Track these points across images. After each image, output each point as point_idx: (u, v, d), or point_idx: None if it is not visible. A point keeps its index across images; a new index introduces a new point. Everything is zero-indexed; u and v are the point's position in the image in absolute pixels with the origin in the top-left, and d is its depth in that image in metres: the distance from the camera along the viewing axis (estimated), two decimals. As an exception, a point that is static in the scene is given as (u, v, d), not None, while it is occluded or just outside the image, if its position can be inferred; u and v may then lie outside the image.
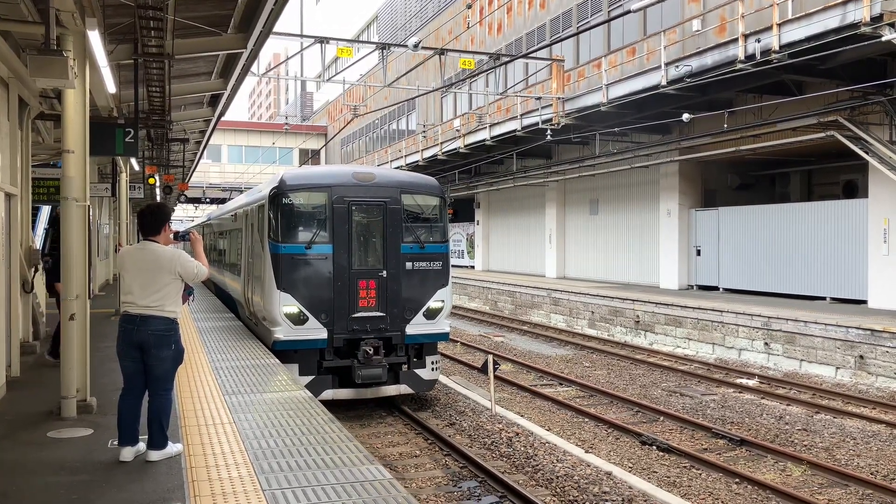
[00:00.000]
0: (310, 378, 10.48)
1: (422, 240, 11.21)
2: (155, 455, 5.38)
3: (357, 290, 10.67)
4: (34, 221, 13.66)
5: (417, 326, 11.07)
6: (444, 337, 11.61)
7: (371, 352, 10.52)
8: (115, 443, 5.57)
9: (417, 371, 11.24)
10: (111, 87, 9.25)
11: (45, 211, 15.40)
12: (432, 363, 11.42)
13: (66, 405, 6.65)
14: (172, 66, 9.77)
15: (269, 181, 12.14)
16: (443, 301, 11.32)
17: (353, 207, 10.81)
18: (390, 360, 10.85)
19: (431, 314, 11.20)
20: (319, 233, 10.71)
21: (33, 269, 9.97)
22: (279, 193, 10.81)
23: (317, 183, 11.07)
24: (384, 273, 10.85)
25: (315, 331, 10.54)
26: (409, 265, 11.01)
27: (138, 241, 5.73)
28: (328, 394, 10.56)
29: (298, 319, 10.52)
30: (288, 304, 10.50)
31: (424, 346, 11.33)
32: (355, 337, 10.66)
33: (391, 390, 11.08)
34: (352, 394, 10.83)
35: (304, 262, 10.59)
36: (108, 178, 16.57)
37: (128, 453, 5.41)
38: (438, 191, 11.78)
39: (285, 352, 10.45)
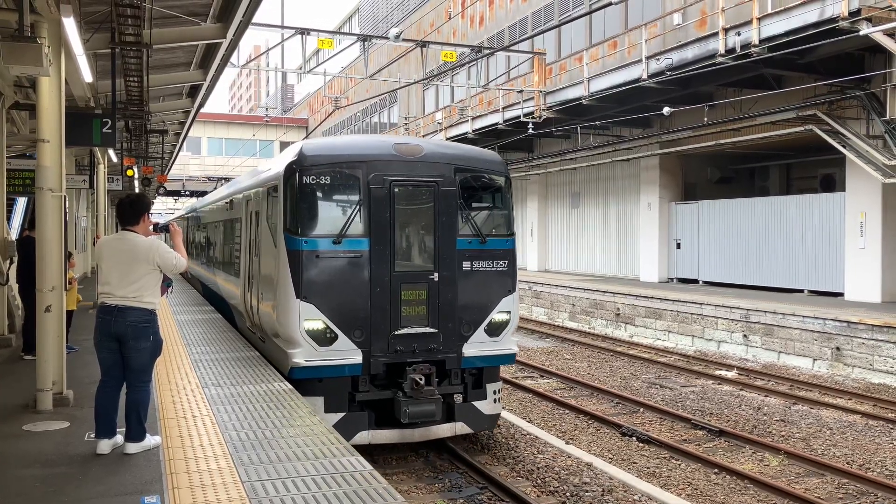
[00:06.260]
0: (340, 416, 8.01)
1: (483, 232, 8.66)
2: (133, 447, 5.33)
3: (401, 299, 8.22)
4: (10, 213, 13.47)
5: (477, 346, 8.53)
6: (511, 359, 9.08)
7: (422, 381, 8.06)
8: (93, 435, 5.51)
9: (476, 403, 8.67)
10: (87, 76, 9.14)
11: (21, 203, 15.19)
12: (494, 392, 8.85)
13: (41, 398, 6.57)
14: (151, 55, 9.66)
15: (282, 155, 9.44)
16: (509, 312, 8.77)
17: (396, 189, 8.28)
18: (443, 391, 8.38)
19: (495, 329, 8.65)
20: (351, 222, 8.14)
21: (8, 262, 9.83)
22: (298, 170, 8.18)
23: (348, 156, 8.40)
24: (436, 276, 8.35)
25: (347, 353, 8.03)
26: (466, 265, 8.52)
27: (117, 231, 5.66)
28: (363, 436, 8.07)
29: (324, 338, 8.00)
30: (311, 318, 7.95)
31: (485, 371, 8.80)
32: (399, 361, 8.16)
33: (445, 430, 8.48)
34: (395, 436, 8.29)
35: (332, 261, 8.09)
36: (86, 169, 16.39)
37: (105, 446, 5.35)
38: (503, 168, 9.25)
39: (307, 381, 8.03)
